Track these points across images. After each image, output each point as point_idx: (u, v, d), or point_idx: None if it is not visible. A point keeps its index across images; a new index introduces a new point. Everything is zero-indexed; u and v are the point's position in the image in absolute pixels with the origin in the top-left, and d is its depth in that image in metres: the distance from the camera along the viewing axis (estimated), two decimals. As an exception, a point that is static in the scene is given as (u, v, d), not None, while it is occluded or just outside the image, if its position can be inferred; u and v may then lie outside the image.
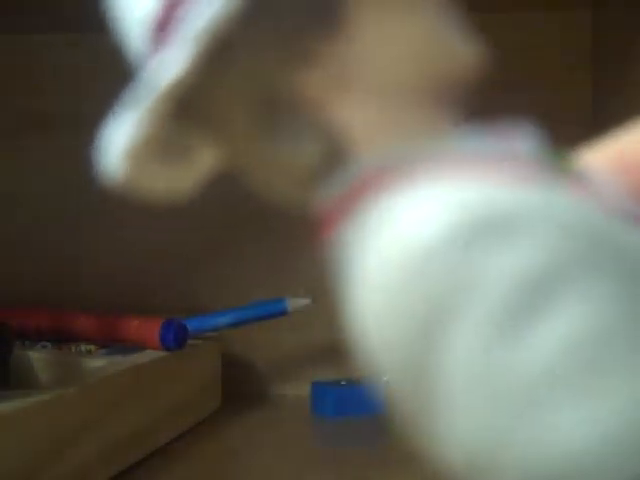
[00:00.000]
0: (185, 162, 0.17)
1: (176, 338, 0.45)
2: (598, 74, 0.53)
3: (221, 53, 0.14)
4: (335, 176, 0.14)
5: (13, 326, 0.50)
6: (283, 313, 0.51)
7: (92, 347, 0.48)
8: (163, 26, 0.14)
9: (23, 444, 0.30)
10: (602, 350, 0.09)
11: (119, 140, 0.14)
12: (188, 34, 0.13)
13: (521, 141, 0.14)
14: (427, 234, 0.10)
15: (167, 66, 0.13)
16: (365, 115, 0.14)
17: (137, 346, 0.46)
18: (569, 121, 0.54)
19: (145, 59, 0.15)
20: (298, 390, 0.55)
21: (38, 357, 0.45)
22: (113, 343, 0.47)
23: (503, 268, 0.10)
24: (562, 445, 0.10)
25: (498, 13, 0.55)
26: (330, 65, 0.14)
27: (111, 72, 0.59)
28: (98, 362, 0.43)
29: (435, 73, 0.15)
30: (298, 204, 0.15)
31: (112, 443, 0.37)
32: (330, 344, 0.57)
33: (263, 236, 0.58)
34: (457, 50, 0.15)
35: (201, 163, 0.17)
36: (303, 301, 0.52)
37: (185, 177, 0.17)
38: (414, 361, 0.11)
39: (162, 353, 0.45)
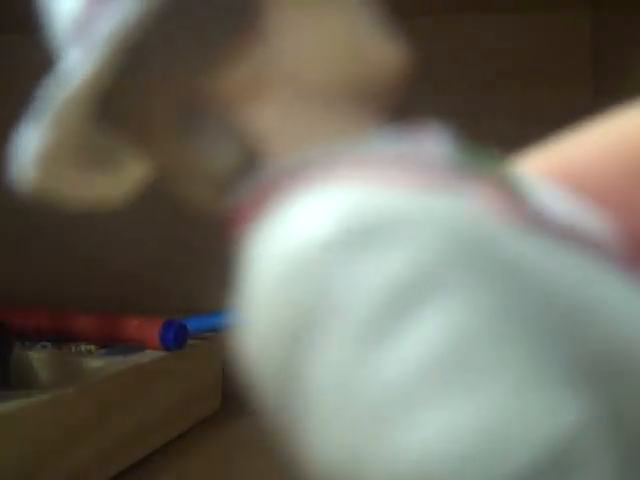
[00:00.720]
0: (109, 167, 0.16)
1: (176, 338, 0.45)
2: (598, 74, 0.53)
3: (136, 54, 0.14)
4: (249, 177, 0.13)
5: (13, 326, 0.50)
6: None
7: (92, 347, 0.48)
8: (81, 27, 0.14)
9: (23, 444, 0.30)
10: (461, 365, 0.09)
11: (30, 145, 0.14)
12: (101, 35, 0.13)
13: (433, 143, 0.13)
14: (304, 240, 0.10)
15: (77, 68, 0.13)
16: (281, 117, 0.13)
17: (137, 346, 0.46)
18: (569, 121, 0.54)
19: (63, 60, 0.15)
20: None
21: (38, 357, 0.45)
22: (113, 343, 0.47)
23: (371, 278, 0.09)
24: (417, 460, 0.09)
25: (498, 13, 0.55)
26: (247, 66, 0.14)
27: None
28: (98, 362, 0.43)
29: (354, 76, 0.14)
30: (215, 205, 0.14)
31: (112, 443, 0.37)
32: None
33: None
34: (377, 52, 0.15)
35: (127, 168, 0.16)
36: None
37: (112, 182, 0.16)
38: (282, 372, 0.11)
39: (162, 353, 0.45)
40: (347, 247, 0.09)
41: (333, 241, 0.09)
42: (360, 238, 0.09)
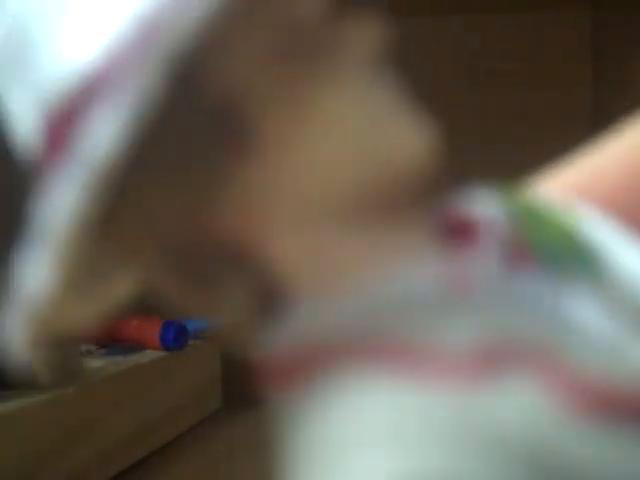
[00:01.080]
0: (102, 281, 0.13)
1: (176, 338, 0.45)
2: (598, 74, 0.53)
3: (123, 184, 0.11)
4: (276, 319, 0.12)
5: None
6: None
7: (92, 347, 0.48)
8: (54, 146, 0.11)
9: (23, 444, 0.30)
10: None
11: (37, 280, 0.11)
12: (84, 160, 0.10)
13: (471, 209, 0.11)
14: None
15: (62, 201, 0.11)
16: (297, 244, 0.11)
17: (137, 346, 0.46)
18: (569, 121, 0.54)
19: (37, 181, 0.12)
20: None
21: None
22: (113, 343, 0.47)
23: None
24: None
25: (499, 13, 0.55)
26: (244, 195, 0.11)
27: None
28: (98, 362, 0.43)
29: (377, 177, 0.12)
30: (246, 343, 0.13)
31: (112, 443, 0.37)
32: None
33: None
34: (400, 146, 0.12)
35: (120, 279, 0.13)
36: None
37: (99, 304, 0.13)
38: None
39: (162, 353, 0.45)
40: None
41: None
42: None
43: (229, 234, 0.11)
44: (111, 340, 0.47)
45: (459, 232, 0.10)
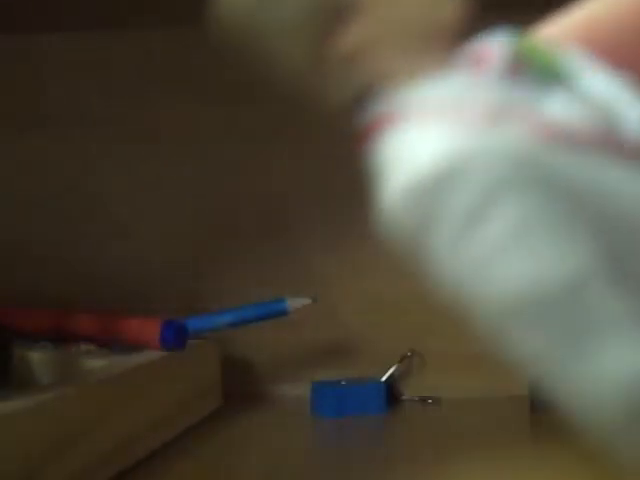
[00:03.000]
0: None
1: (176, 338, 0.45)
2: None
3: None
4: (370, 102, 0.18)
5: (13, 326, 0.50)
6: (283, 313, 0.51)
7: (92, 347, 0.48)
8: None
9: (23, 444, 0.30)
10: (524, 235, 0.14)
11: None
12: None
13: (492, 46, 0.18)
14: (421, 171, 0.15)
15: None
16: (390, 59, 0.17)
17: (137, 346, 0.46)
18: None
19: None
20: (298, 390, 0.55)
21: (38, 357, 0.45)
22: (113, 343, 0.47)
23: (463, 195, 0.14)
24: (505, 286, 0.15)
25: (498, 13, 0.55)
26: (357, 27, 0.17)
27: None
28: (98, 362, 0.43)
29: (432, 21, 0.18)
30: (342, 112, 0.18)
31: (112, 443, 0.37)
32: (330, 344, 0.57)
33: (263, 236, 0.58)
34: (444, 5, 0.19)
35: None
36: (303, 301, 0.52)
37: None
38: (412, 236, 0.16)
39: (162, 353, 0.45)
40: (448, 178, 0.14)
41: (437, 175, 0.15)
42: (453, 172, 0.14)
43: (349, 52, 0.17)
44: (111, 340, 0.47)
45: (478, 59, 0.16)
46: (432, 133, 0.15)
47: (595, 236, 0.15)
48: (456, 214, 0.15)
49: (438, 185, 0.15)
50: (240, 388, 0.57)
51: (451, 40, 0.18)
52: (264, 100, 0.58)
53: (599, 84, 0.16)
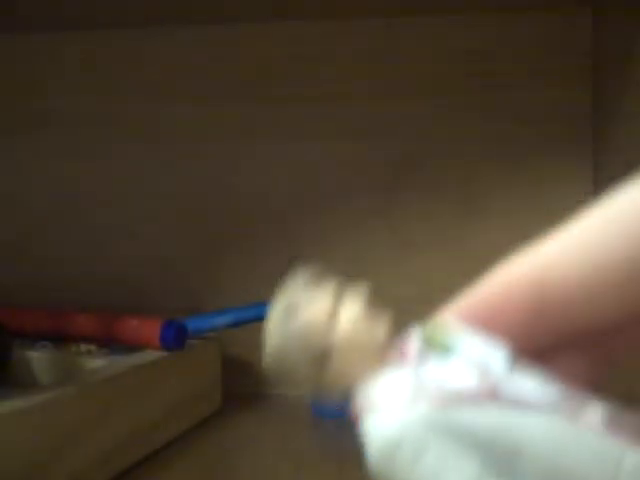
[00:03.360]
0: None
1: (176, 338, 0.45)
2: (598, 74, 0.53)
3: None
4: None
5: (13, 326, 0.50)
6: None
7: (92, 347, 0.48)
8: None
9: (23, 444, 0.30)
10: None
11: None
12: None
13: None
14: (385, 442, 0.20)
15: None
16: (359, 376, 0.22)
17: (137, 346, 0.46)
18: (569, 121, 0.54)
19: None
20: (298, 390, 0.55)
21: (38, 357, 0.45)
22: (113, 343, 0.47)
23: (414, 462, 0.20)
24: None
25: (499, 13, 0.55)
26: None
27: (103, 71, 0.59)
28: (98, 362, 0.44)
29: (375, 343, 0.22)
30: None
31: (112, 443, 0.37)
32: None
33: (263, 236, 0.58)
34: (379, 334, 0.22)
35: None
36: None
37: None
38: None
39: (162, 353, 0.45)
40: (394, 447, 0.20)
41: (400, 447, 0.20)
42: (395, 443, 0.20)
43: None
44: (111, 340, 0.47)
45: (402, 353, 0.21)
46: (378, 419, 0.21)
47: (484, 462, 0.20)
48: (406, 466, 0.20)
49: (390, 452, 0.20)
50: (240, 388, 0.57)
51: (387, 349, 0.22)
52: (264, 100, 0.58)
53: (476, 348, 0.21)
